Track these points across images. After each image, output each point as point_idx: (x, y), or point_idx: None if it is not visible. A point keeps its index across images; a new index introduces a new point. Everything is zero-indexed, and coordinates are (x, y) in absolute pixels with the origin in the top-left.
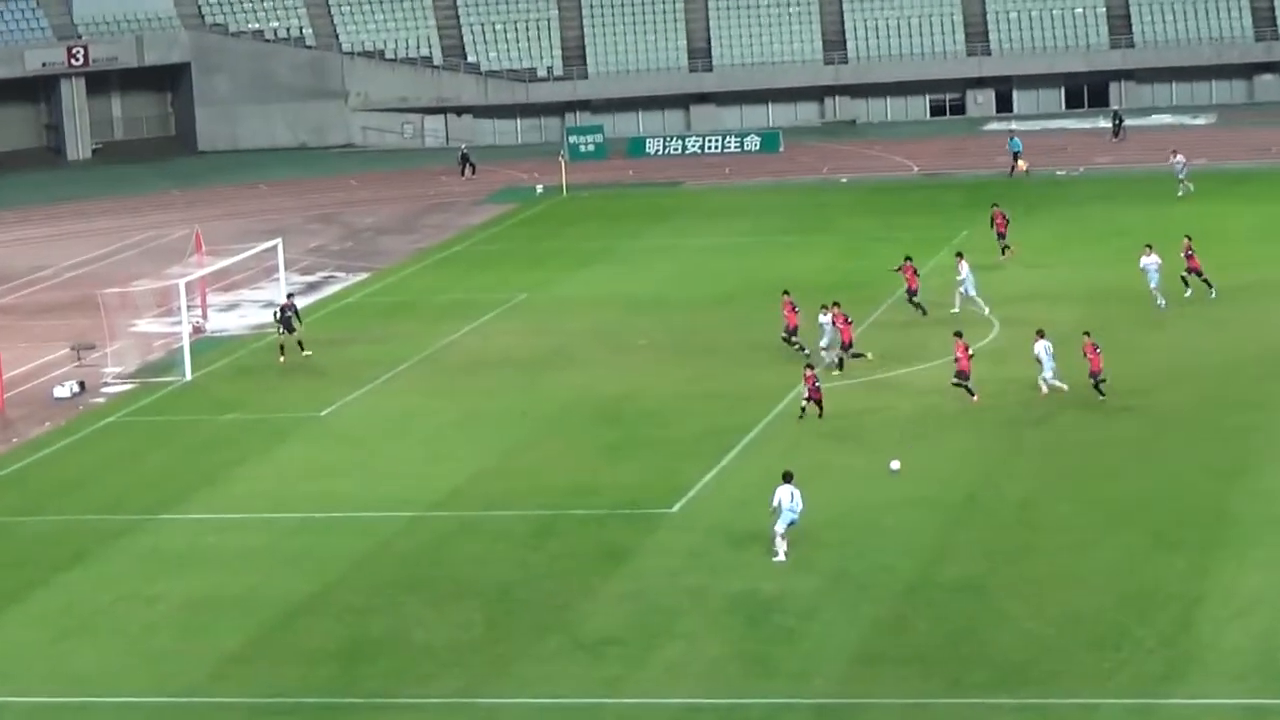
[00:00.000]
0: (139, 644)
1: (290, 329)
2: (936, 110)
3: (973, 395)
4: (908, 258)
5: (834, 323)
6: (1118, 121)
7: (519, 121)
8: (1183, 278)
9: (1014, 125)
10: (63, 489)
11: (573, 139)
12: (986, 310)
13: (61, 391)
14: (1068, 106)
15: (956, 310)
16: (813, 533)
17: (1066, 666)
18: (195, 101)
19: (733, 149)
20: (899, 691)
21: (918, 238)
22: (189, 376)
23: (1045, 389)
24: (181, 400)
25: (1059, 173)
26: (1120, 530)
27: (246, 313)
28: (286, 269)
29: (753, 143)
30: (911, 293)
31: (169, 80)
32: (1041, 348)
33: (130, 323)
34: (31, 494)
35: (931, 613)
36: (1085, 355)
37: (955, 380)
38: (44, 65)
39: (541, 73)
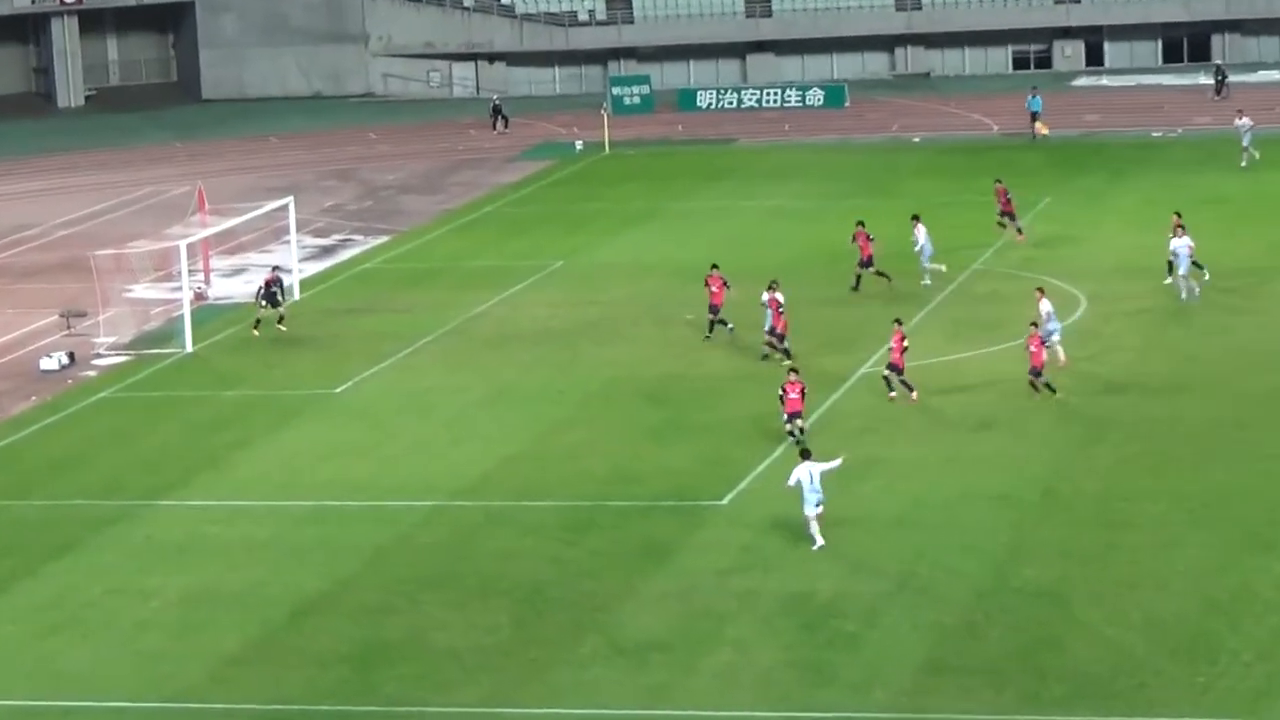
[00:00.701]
0: (131, 642)
1: (274, 304)
2: (1019, 63)
3: (911, 391)
4: (860, 223)
5: (769, 306)
6: (1220, 78)
7: (557, 70)
8: (1169, 263)
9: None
10: (50, 471)
11: (616, 90)
12: (927, 280)
13: (49, 363)
14: (1165, 61)
15: (927, 282)
16: (876, 531)
17: (1153, 679)
18: (199, 44)
19: (793, 103)
20: (968, 705)
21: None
22: (189, 348)
23: (1062, 357)
24: (181, 374)
25: (1154, 134)
26: (1209, 528)
27: (253, 278)
28: (298, 230)
29: (815, 97)
30: (865, 262)
31: (170, 20)
32: (1045, 309)
33: (125, 288)
34: (16, 476)
35: (1004, 619)
36: (1028, 349)
37: (885, 372)
38: (33, 2)
39: (583, 16)
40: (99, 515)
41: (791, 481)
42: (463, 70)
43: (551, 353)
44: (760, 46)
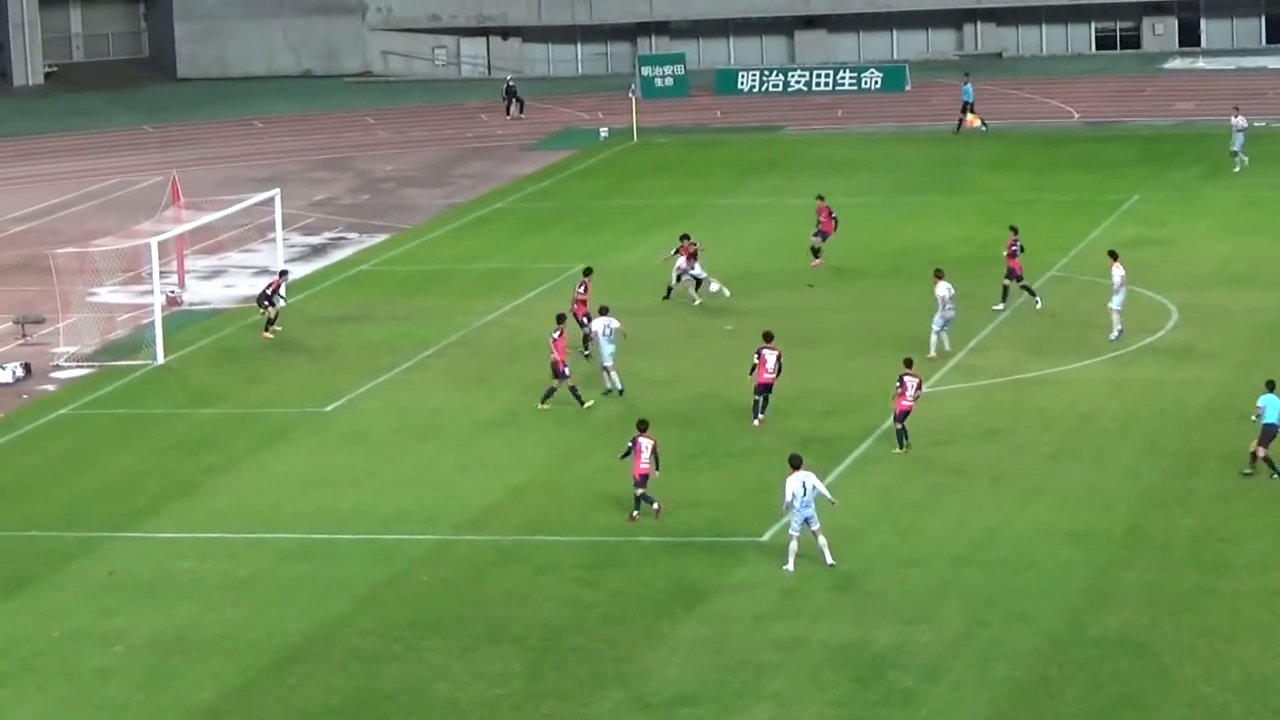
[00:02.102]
0: (92, 693)
1: (273, 303)
2: (1104, 43)
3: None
4: (820, 197)
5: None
6: None
7: (580, 48)
8: (1005, 285)
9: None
10: (1, 498)
11: (646, 71)
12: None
13: (1, 375)
14: (1269, 40)
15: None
16: (940, 571)
17: None
18: (174, 15)
19: (847, 87)
20: None
21: (1077, 200)
22: (161, 359)
23: (932, 350)
24: (151, 389)
25: (1257, 123)
26: None
27: (234, 281)
28: (285, 227)
29: (872, 79)
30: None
31: None
32: (944, 289)
33: (89, 291)
34: None
35: (1082, 674)
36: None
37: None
38: None
39: None
40: (56, 548)
41: (787, 496)
42: (472, 47)
43: (570, 368)
44: (810, 22)
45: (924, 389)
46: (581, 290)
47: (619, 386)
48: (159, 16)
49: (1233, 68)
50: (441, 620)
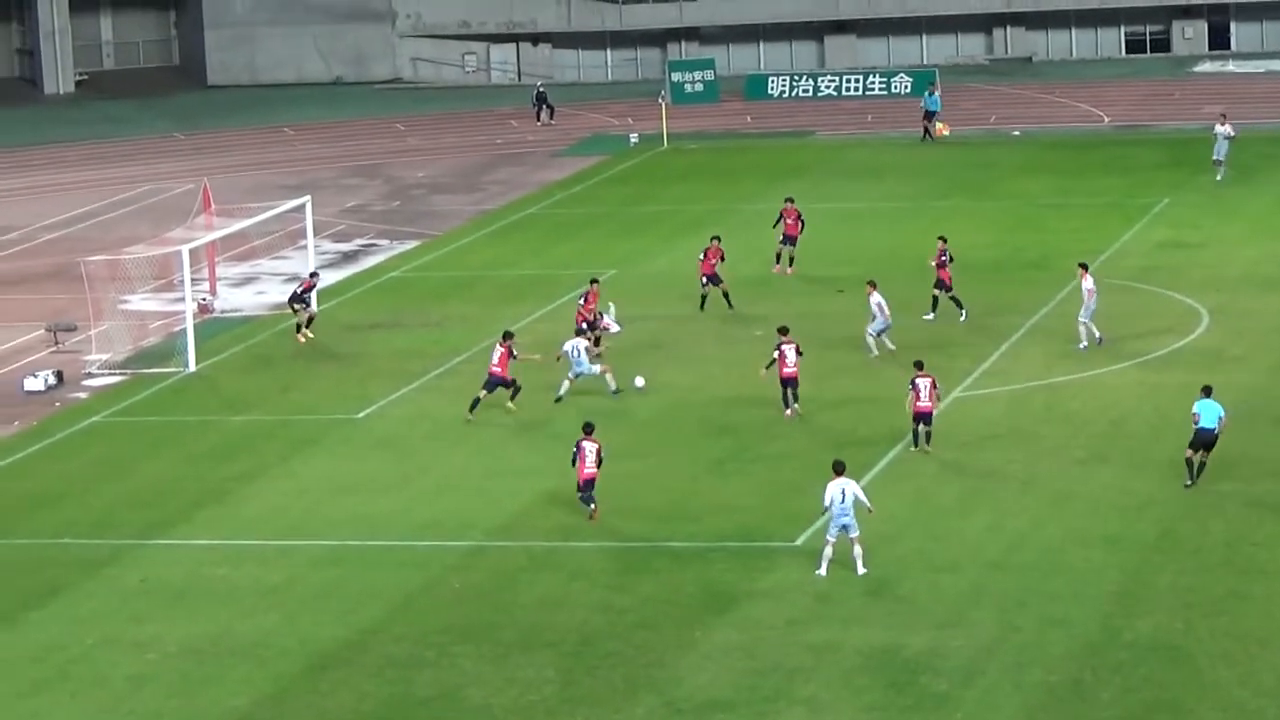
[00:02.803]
0: (125, 700)
1: (306, 304)
2: (1134, 46)
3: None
4: (789, 199)
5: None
6: None
7: (609, 53)
8: (934, 295)
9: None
10: (34, 506)
11: (676, 76)
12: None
13: (34, 383)
14: None
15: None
16: (973, 576)
17: None
18: (204, 22)
19: (877, 91)
20: None
21: (1107, 204)
22: (192, 367)
23: (874, 350)
24: (183, 396)
25: None
26: None
27: (266, 288)
28: (316, 234)
29: (902, 84)
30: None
31: None
32: (876, 299)
33: (120, 298)
34: None
35: (1116, 678)
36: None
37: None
38: None
39: None
40: (88, 556)
41: (826, 501)
42: (502, 53)
43: (600, 377)
44: (840, 27)
45: (940, 392)
46: (583, 302)
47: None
48: (189, 24)
49: (1263, 70)
50: (474, 626)
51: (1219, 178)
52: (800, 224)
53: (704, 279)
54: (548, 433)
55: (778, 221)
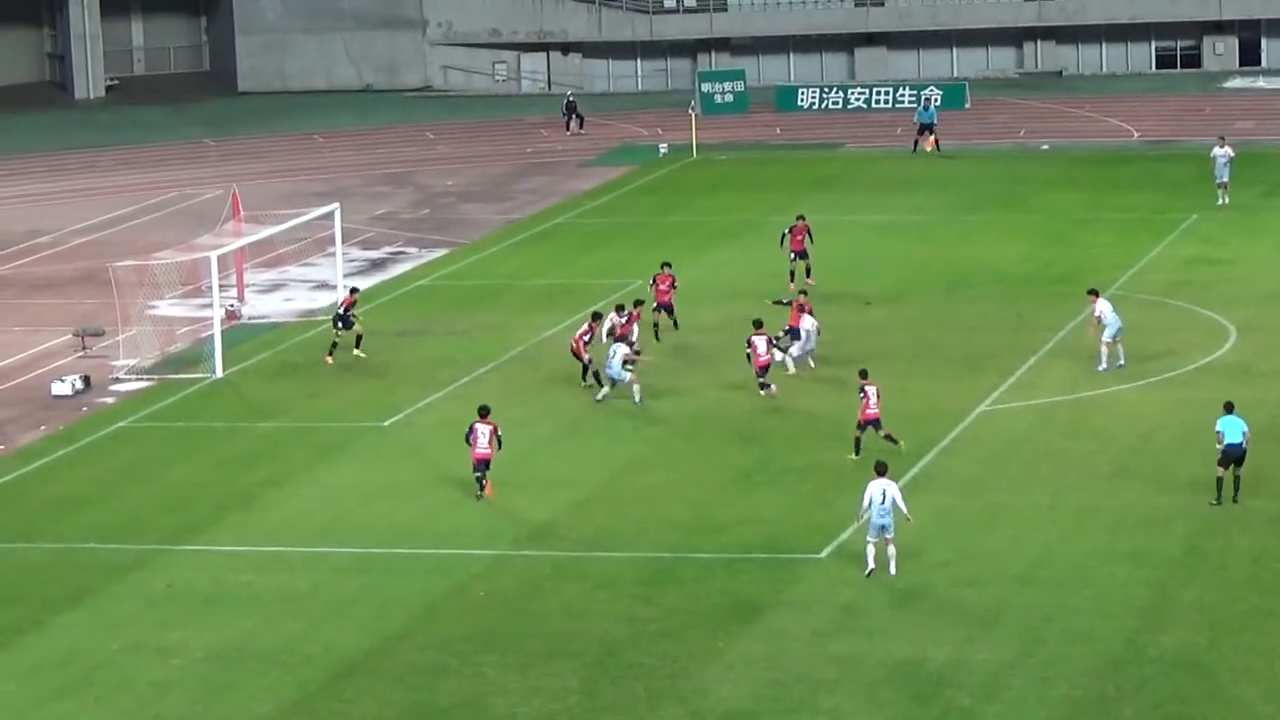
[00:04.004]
0: (150, 706)
1: (348, 326)
2: (1164, 62)
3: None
4: (800, 217)
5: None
6: None
7: (640, 64)
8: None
9: (932, 91)
10: (60, 510)
11: (706, 87)
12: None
13: (61, 388)
14: None
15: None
16: (998, 590)
17: None
18: (235, 28)
19: (907, 104)
20: None
21: (1137, 219)
22: (220, 373)
23: (792, 368)
24: (210, 402)
25: None
26: None
27: (294, 295)
28: (345, 241)
29: (932, 97)
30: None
31: (202, 1)
32: (809, 322)
33: (148, 304)
34: (22, 516)
35: (1140, 693)
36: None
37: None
38: None
39: (670, 2)
40: (114, 561)
41: (864, 501)
42: (533, 62)
43: (626, 384)
44: (870, 39)
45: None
46: (585, 330)
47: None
48: (220, 30)
49: None
50: (499, 635)
51: (1221, 202)
52: (809, 238)
53: (658, 307)
54: (575, 442)
55: (783, 240)
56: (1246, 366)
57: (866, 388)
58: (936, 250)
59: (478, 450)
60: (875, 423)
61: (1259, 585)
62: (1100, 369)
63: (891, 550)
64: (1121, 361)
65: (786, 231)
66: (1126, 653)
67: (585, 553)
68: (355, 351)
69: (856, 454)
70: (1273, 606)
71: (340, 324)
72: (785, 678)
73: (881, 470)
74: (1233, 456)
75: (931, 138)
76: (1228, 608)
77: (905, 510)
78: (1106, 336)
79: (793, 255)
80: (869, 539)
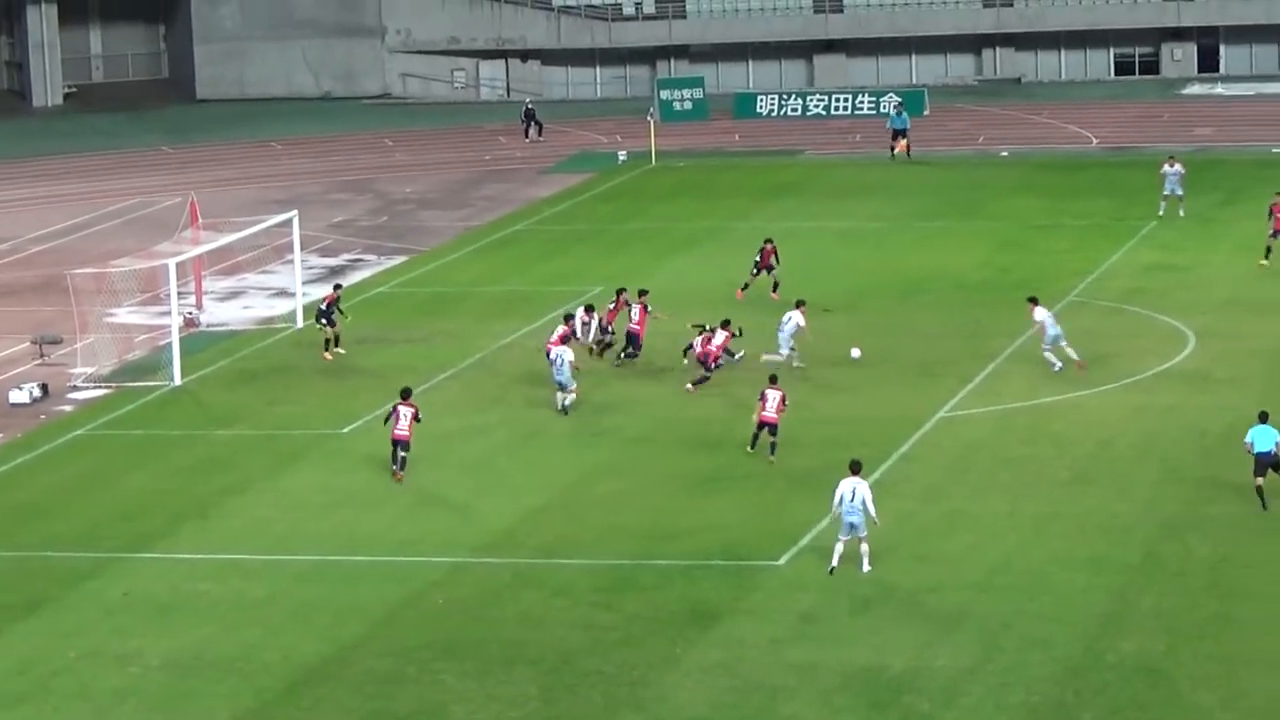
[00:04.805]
0: (108, 713)
1: (331, 322)
2: (1123, 68)
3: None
4: (768, 240)
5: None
6: None
7: (598, 71)
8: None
9: (893, 96)
10: (16, 518)
11: (665, 94)
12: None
13: (19, 396)
14: None
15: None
16: (957, 596)
17: None
18: (194, 36)
19: (865, 111)
20: None
21: (1095, 225)
22: (178, 380)
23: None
24: (169, 410)
25: (1275, 150)
26: None
27: (252, 302)
28: (303, 249)
29: (891, 104)
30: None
31: (161, 9)
32: (795, 317)
33: (106, 312)
34: None
35: (1098, 699)
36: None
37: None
38: None
39: (628, 10)
40: (72, 569)
41: (835, 499)
42: (491, 69)
43: (587, 391)
44: (829, 46)
45: (787, 408)
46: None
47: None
48: (178, 38)
49: (1252, 93)
50: (457, 643)
51: (1162, 212)
52: (775, 259)
53: (609, 327)
54: (534, 449)
55: (756, 263)
56: (1205, 373)
57: (767, 391)
58: (895, 257)
59: (396, 431)
60: (771, 427)
61: (1218, 591)
62: (1056, 369)
63: (864, 548)
64: (1058, 366)
65: (758, 256)
66: (1085, 659)
67: (544, 560)
68: (334, 350)
69: (752, 448)
70: (1231, 613)
71: (324, 320)
72: (743, 685)
73: (855, 469)
74: (1265, 464)
75: (904, 142)
76: (1186, 614)
77: (873, 513)
78: (1045, 344)
79: (756, 270)
80: (840, 536)
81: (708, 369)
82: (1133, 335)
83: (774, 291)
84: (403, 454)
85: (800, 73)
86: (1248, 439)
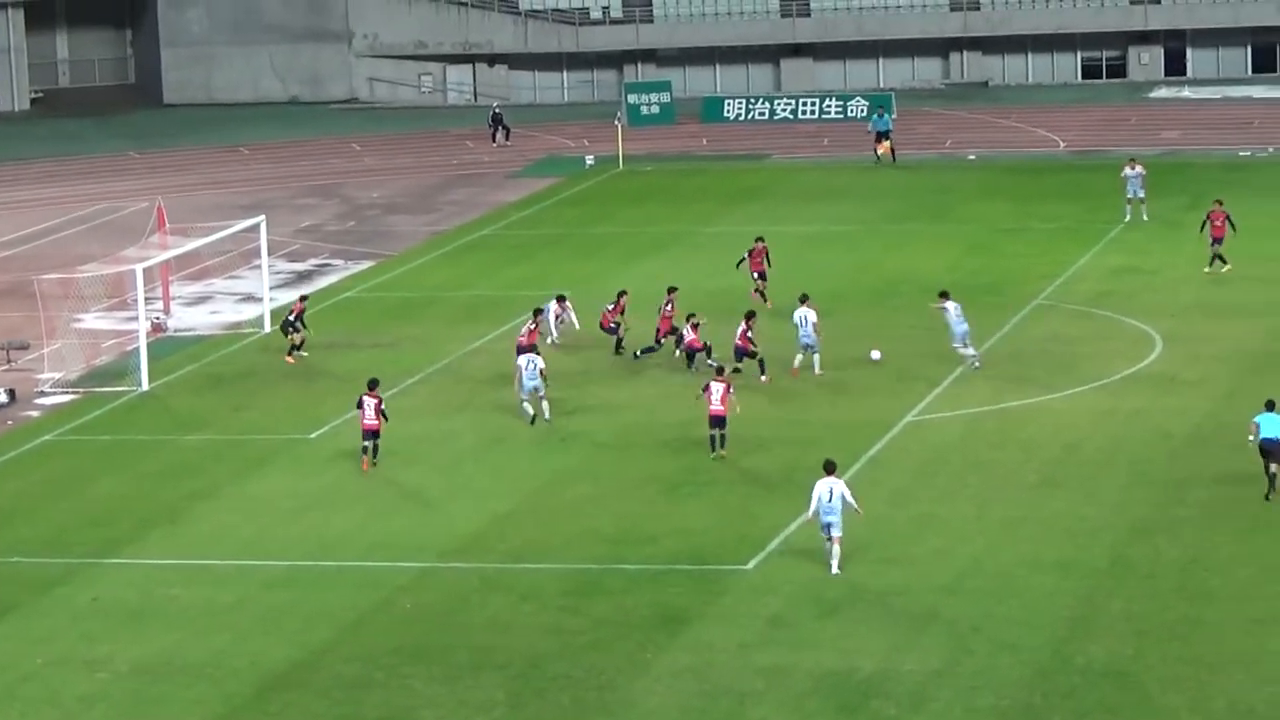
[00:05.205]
0: (76, 719)
1: (297, 332)
2: (1090, 72)
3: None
4: (759, 239)
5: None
6: None
7: (566, 75)
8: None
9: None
10: None
11: (632, 98)
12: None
13: None
14: (1256, 70)
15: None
16: (925, 600)
17: None
18: (161, 41)
19: (833, 115)
20: None
21: (1063, 229)
22: (145, 386)
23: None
24: (136, 415)
25: (1242, 153)
26: None
27: (219, 307)
28: (271, 254)
29: (858, 108)
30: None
31: (128, 14)
32: (800, 315)
33: (74, 317)
34: None
35: (1066, 703)
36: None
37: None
38: None
39: (595, 14)
40: (40, 575)
41: (813, 501)
42: (458, 74)
43: (556, 395)
44: (796, 50)
45: (734, 399)
46: (611, 308)
47: (534, 414)
48: (145, 42)
49: (1218, 97)
50: (425, 648)
51: (1128, 218)
52: (768, 260)
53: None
54: (502, 454)
55: (741, 261)
56: (1172, 376)
57: (712, 384)
58: (863, 260)
59: (365, 421)
60: (720, 419)
61: (1186, 594)
62: (976, 367)
63: (836, 549)
64: (975, 365)
65: (746, 255)
66: (1053, 662)
67: (512, 565)
68: (297, 354)
69: (714, 451)
70: (1200, 615)
71: (290, 330)
72: (712, 689)
73: (829, 469)
74: (1268, 451)
75: (886, 144)
76: (1155, 617)
77: (855, 504)
78: (954, 342)
79: (755, 276)
80: (823, 534)
81: (740, 358)
82: (1100, 338)
83: (765, 299)
84: (372, 443)
85: (767, 77)
86: (1255, 419)
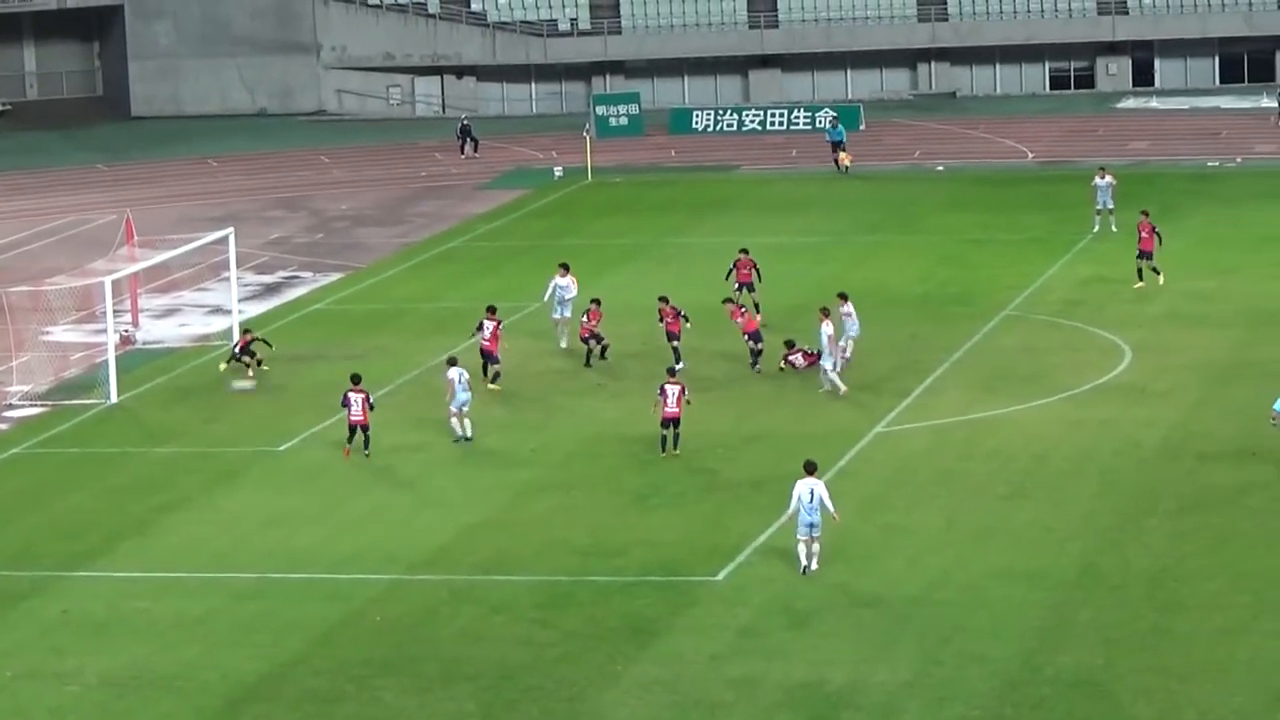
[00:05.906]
0: None
1: (253, 354)
2: (1058, 82)
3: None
4: (743, 250)
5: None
6: None
7: (534, 87)
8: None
9: (826, 115)
10: None
11: (601, 110)
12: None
13: None
14: (1223, 81)
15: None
16: (895, 611)
17: None
18: (128, 53)
19: (801, 126)
20: None
21: (1031, 239)
22: (114, 398)
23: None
24: (105, 428)
25: (1210, 164)
26: (1275, 612)
27: (188, 320)
28: (239, 266)
29: (826, 119)
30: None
31: (96, 27)
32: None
33: (42, 329)
34: None
35: (1038, 714)
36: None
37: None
38: None
39: (564, 25)
40: (8, 588)
41: (793, 501)
42: (427, 86)
43: (525, 406)
44: (764, 61)
45: (688, 399)
46: (585, 318)
47: (467, 434)
48: (113, 55)
49: (1186, 108)
50: (395, 660)
51: (1096, 229)
52: (756, 272)
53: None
54: (472, 466)
55: (730, 273)
56: (1142, 386)
57: (666, 386)
58: (832, 271)
59: (352, 417)
60: (674, 421)
61: (1155, 604)
62: (842, 392)
63: (815, 548)
64: (836, 386)
65: (732, 266)
66: (1023, 673)
67: (482, 576)
68: (258, 369)
69: (664, 451)
70: (1169, 625)
71: (238, 360)
72: (683, 701)
73: (810, 469)
74: None
75: (843, 155)
76: (1125, 627)
77: (832, 509)
78: (848, 335)
79: (738, 287)
80: (798, 536)
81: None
82: (1069, 349)
83: (757, 311)
84: (363, 436)
85: (736, 88)
86: (1276, 411)
